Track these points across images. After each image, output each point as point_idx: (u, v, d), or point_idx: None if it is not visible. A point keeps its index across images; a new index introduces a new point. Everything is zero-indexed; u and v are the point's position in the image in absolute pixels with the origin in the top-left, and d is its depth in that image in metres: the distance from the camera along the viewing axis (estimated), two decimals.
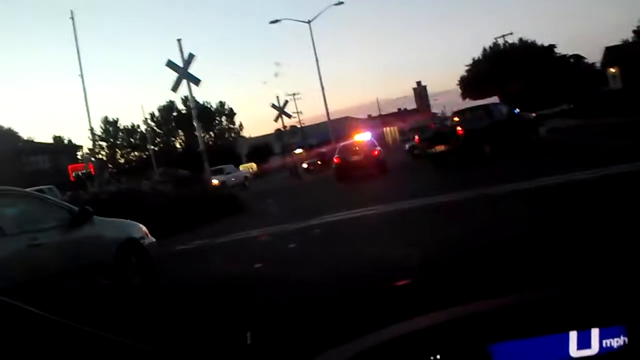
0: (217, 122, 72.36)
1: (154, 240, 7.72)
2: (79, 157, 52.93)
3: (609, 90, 40.13)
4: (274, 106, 37.97)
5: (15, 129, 67.02)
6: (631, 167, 9.82)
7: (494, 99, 46.33)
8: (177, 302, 6.52)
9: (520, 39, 51.69)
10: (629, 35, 53.40)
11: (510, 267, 1.45)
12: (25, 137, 64.86)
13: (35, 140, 61.37)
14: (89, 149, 54.32)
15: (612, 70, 43.77)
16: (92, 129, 29.72)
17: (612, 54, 47.36)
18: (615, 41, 53.16)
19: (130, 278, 6.98)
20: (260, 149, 67.72)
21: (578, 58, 53.30)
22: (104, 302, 6.33)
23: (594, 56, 65.06)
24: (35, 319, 0.74)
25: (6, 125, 66.70)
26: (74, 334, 0.77)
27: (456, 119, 21.81)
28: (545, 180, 10.35)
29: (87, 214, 6.78)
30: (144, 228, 7.64)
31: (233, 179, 33.53)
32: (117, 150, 71.43)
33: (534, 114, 23.16)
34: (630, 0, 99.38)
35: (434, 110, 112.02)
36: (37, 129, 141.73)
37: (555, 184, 9.92)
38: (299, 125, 53.67)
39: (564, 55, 51.50)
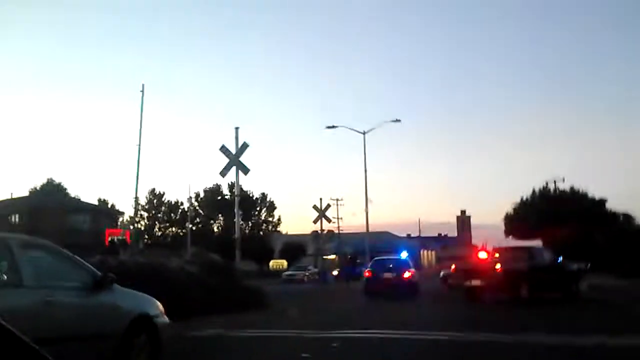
0: (256, 212, 73.00)
1: (168, 320, 7.52)
2: (119, 223, 53.85)
3: None
4: (315, 207, 38.23)
5: (65, 185, 69.33)
6: None
7: (538, 242, 45.45)
8: None
9: (572, 188, 51.37)
10: None
11: None
12: (72, 195, 66.88)
13: (81, 199, 63.05)
14: (130, 217, 55.34)
15: None
16: (137, 198, 30.27)
17: None
18: None
19: (135, 355, 6.74)
20: (295, 247, 67.54)
21: (628, 217, 52.29)
22: None
23: None
24: None
25: (57, 180, 69.17)
26: None
27: (497, 255, 21.35)
28: (575, 341, 9.63)
29: (108, 281, 6.69)
30: (161, 306, 7.47)
31: None
32: (156, 222, 72.43)
33: (576, 265, 22.47)
34: None
35: (474, 241, 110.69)
36: (85, 189, 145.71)
37: (583, 346, 9.19)
38: (337, 231, 53.49)
39: (615, 213, 50.67)
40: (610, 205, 50.45)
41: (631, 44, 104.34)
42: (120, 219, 57.84)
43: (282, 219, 75.06)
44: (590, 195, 50.59)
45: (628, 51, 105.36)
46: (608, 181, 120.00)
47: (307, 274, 46.67)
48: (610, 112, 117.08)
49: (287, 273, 46.88)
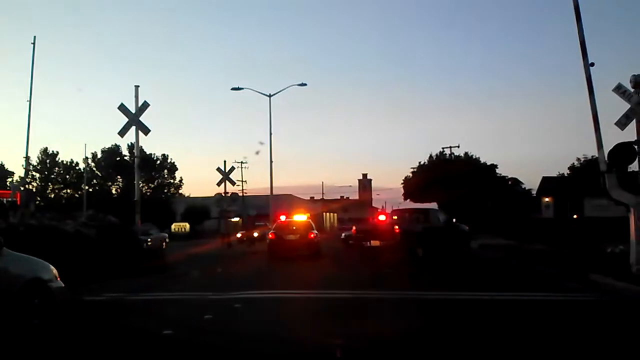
0: (157, 174, 70.99)
1: (63, 285, 7.27)
2: (8, 184, 50.64)
3: (541, 218, 42.06)
4: (219, 170, 37.77)
5: None
6: (544, 297, 10.31)
7: (433, 205, 47.67)
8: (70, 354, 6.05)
9: (466, 153, 53.93)
10: (564, 170, 56.66)
11: None
12: None
13: None
14: (20, 177, 52.18)
15: (547, 199, 46.05)
16: (27, 157, 28.57)
17: (548, 184, 49.81)
18: (552, 173, 56.18)
19: (29, 320, 6.49)
20: (198, 210, 66.62)
21: (516, 182, 55.86)
22: None
23: (531, 184, 68.23)
24: None
25: None
26: None
27: (395, 217, 22.22)
28: (463, 295, 10.64)
29: None
30: (55, 270, 7.21)
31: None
32: (49, 184, 68.80)
33: (467, 227, 23.83)
34: (573, 140, 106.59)
35: (375, 204, 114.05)
36: None
37: (471, 300, 10.13)
38: (240, 194, 53.30)
39: (504, 177, 53.82)
40: (501, 171, 53.55)
41: (528, 17, 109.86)
42: (10, 180, 54.46)
43: (183, 181, 73.51)
44: (482, 161, 53.40)
45: (524, 24, 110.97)
46: (499, 148, 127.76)
47: (149, 240, 30.49)
48: (504, 84, 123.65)
49: None
